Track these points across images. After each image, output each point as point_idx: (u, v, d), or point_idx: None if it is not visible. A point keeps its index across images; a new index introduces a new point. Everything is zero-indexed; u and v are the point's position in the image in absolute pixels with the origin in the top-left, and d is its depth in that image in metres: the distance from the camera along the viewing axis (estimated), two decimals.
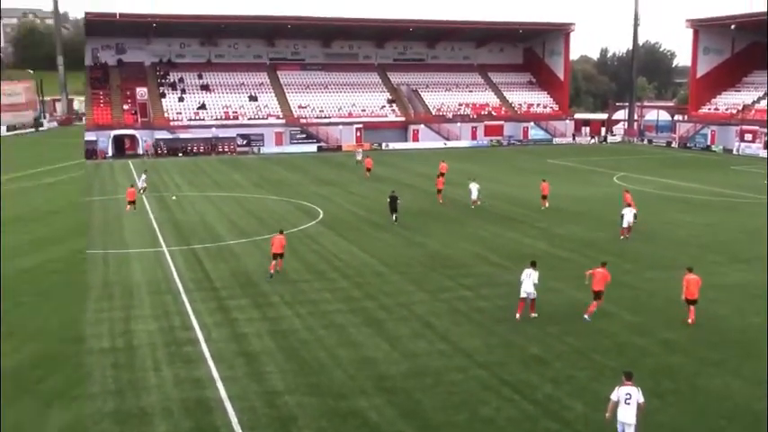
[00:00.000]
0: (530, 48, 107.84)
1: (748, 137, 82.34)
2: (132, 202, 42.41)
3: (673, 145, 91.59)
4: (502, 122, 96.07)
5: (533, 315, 22.55)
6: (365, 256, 31.25)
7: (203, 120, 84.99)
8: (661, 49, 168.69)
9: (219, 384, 17.92)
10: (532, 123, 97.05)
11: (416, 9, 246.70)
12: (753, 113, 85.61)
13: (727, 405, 16.75)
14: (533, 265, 22.88)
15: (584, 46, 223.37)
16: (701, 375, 18.43)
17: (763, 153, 77.98)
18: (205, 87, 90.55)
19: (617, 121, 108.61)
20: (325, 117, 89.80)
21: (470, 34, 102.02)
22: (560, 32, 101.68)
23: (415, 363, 19.26)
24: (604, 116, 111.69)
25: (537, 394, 17.38)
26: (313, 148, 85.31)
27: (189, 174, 61.53)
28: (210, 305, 24.42)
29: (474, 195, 43.25)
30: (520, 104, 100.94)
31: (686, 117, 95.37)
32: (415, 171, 63.40)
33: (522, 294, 22.59)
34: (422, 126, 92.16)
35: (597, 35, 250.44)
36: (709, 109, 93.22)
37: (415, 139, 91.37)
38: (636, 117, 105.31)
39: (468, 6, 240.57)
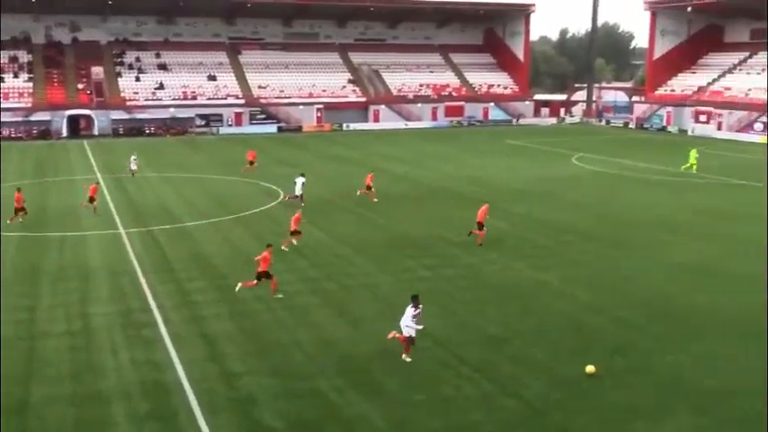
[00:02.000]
0: (490, 29, 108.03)
1: (703, 118, 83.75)
2: (92, 199, 35.81)
3: (630, 126, 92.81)
4: (462, 103, 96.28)
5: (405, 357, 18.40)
6: (327, 238, 31.16)
7: (161, 100, 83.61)
8: (619, 31, 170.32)
9: (178, 366, 17.76)
10: (493, 104, 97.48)
11: None
12: (707, 95, 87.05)
13: (678, 382, 17.10)
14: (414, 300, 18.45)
15: (544, 27, 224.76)
16: (655, 353, 18.77)
17: (717, 134, 79.44)
18: (162, 67, 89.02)
19: (576, 102, 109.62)
20: (286, 97, 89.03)
21: (431, 15, 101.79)
22: (521, 13, 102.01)
23: (377, 343, 19.29)
24: (564, 97, 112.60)
25: (496, 373, 17.56)
26: (273, 128, 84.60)
27: (146, 155, 60.58)
28: (169, 287, 24.15)
29: (298, 191, 38.08)
30: (480, 85, 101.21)
31: (643, 98, 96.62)
32: (377, 152, 63.27)
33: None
34: (383, 107, 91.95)
35: (557, 16, 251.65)
36: (666, 90, 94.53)
37: (376, 119, 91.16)
38: (594, 98, 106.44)
39: None
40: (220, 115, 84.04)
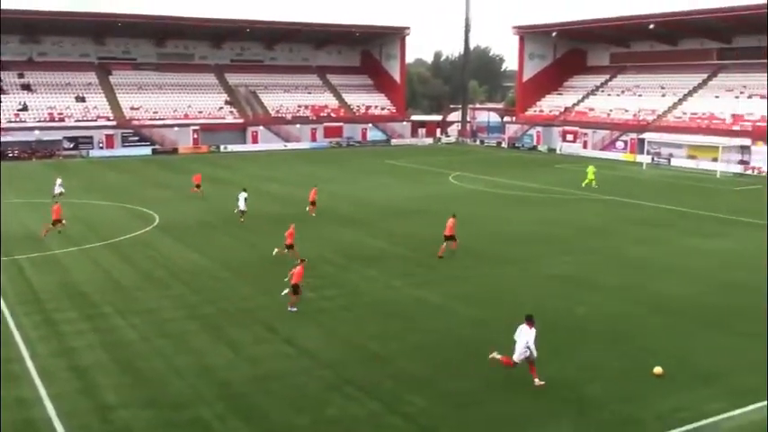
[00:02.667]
0: (367, 51, 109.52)
1: (569, 137, 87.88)
2: (58, 221, 34.94)
3: (503, 145, 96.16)
4: (341, 124, 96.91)
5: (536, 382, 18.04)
6: (204, 261, 30.42)
7: (25, 122, 79.46)
8: (491, 54, 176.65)
9: (47, 402, 16.76)
10: (371, 125, 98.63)
11: (254, 10, 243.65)
12: (573, 115, 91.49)
13: (559, 391, 17.68)
14: (528, 320, 18.21)
15: (419, 49, 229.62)
16: (538, 363, 19.29)
17: (583, 152, 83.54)
18: (27, 87, 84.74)
19: (451, 123, 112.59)
20: (160, 119, 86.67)
21: (309, 36, 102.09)
22: (396, 36, 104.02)
23: (259, 367, 18.94)
24: (439, 118, 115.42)
25: (380, 391, 17.58)
26: (147, 150, 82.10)
27: (10, 179, 57.29)
28: (35, 318, 22.80)
29: (241, 206, 39.32)
30: (358, 106, 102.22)
31: (514, 119, 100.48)
32: (257, 173, 62.54)
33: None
34: (261, 128, 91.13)
35: (431, 39, 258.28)
36: (535, 111, 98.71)
37: (255, 141, 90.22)
38: (468, 119, 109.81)
39: (306, 8, 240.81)
40: (90, 138, 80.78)
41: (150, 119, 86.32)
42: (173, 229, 36.91)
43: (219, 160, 74.99)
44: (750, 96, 77.26)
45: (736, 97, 78.24)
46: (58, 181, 48.70)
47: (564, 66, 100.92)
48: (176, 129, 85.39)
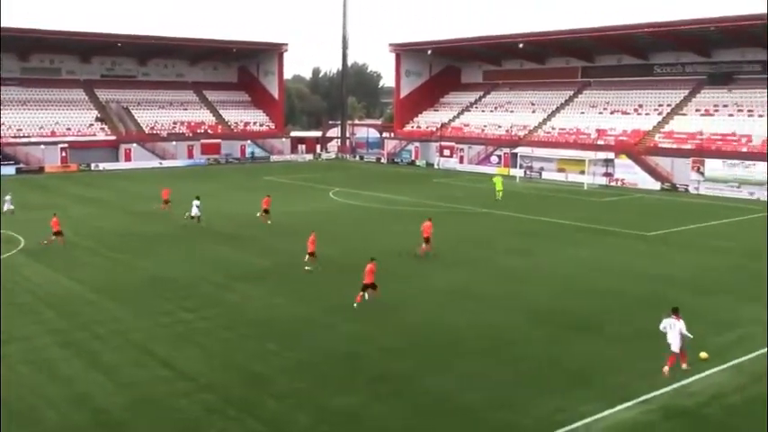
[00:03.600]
0: (244, 67, 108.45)
1: (447, 152, 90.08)
2: (58, 233, 36.47)
3: (382, 160, 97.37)
4: (219, 141, 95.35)
5: (684, 366, 19.66)
6: (75, 285, 29.05)
7: None
8: (369, 71, 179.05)
9: None
10: (249, 141, 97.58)
11: (126, 24, 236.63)
12: (449, 131, 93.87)
13: (441, 401, 17.98)
14: (675, 312, 19.74)
15: (297, 66, 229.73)
16: (418, 377, 19.59)
17: (459, 167, 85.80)
18: None
19: (331, 139, 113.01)
20: (25, 136, 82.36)
21: (183, 52, 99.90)
22: (273, 52, 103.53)
23: (136, 392, 18.25)
24: (319, 134, 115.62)
25: (262, 411, 17.34)
26: (11, 170, 77.67)
27: None
28: None
29: (194, 212, 42.83)
30: (236, 123, 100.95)
31: (393, 134, 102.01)
32: (131, 192, 60.45)
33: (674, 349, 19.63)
34: (134, 145, 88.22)
35: (309, 56, 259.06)
36: (413, 127, 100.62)
37: (128, 158, 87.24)
38: (348, 135, 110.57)
39: (180, 24, 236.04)
40: None
41: (14, 136, 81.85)
42: (40, 252, 35.09)
43: (90, 179, 72.00)
44: (612, 112, 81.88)
45: (600, 113, 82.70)
46: (8, 197, 47.35)
47: (439, 83, 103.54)
48: (42, 147, 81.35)
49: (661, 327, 19.82)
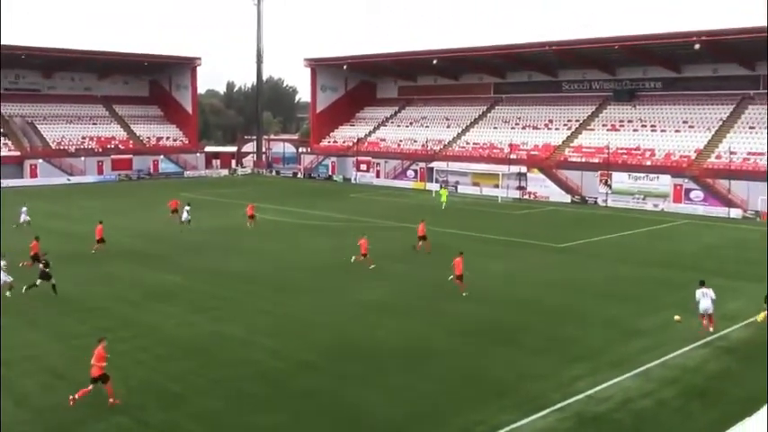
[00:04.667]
0: (156, 81, 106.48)
1: (363, 167, 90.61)
2: (100, 241, 39.45)
3: (299, 175, 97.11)
4: (131, 156, 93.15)
5: (711, 329, 24.77)
6: None
7: None
8: (284, 85, 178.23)
9: None
10: (162, 157, 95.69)
11: (30, 36, 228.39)
12: (366, 145, 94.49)
13: (367, 417, 18.05)
14: (703, 284, 25.06)
15: (211, 80, 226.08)
16: (341, 393, 19.60)
17: (376, 181, 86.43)
18: None
19: (247, 154, 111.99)
20: None
21: (91, 65, 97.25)
22: (186, 66, 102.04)
23: (47, 419, 17.62)
24: (234, 149, 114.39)
25: None
26: None
27: None
28: None
29: (185, 217, 47.71)
30: (149, 138, 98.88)
31: (309, 149, 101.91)
32: (37, 210, 58.20)
33: (701, 311, 24.80)
34: (40, 161, 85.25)
35: (223, 70, 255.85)
36: (329, 142, 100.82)
37: (34, 175, 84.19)
38: (264, 149, 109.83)
39: (89, 36, 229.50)
40: None
41: None
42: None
43: None
44: (524, 127, 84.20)
45: (512, 128, 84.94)
46: (24, 209, 48.62)
47: (355, 98, 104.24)
48: None
49: (696, 296, 24.83)
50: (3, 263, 30.49)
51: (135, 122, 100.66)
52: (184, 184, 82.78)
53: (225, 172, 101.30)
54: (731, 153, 63.88)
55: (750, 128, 68.37)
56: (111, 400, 18.35)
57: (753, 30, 62.33)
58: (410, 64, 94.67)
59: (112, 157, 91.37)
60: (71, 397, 18.25)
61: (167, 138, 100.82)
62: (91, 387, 18.35)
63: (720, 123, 70.79)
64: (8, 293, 29.23)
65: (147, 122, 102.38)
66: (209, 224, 50.33)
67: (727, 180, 62.21)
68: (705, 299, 24.57)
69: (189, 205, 48.90)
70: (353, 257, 36.02)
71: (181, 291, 30.80)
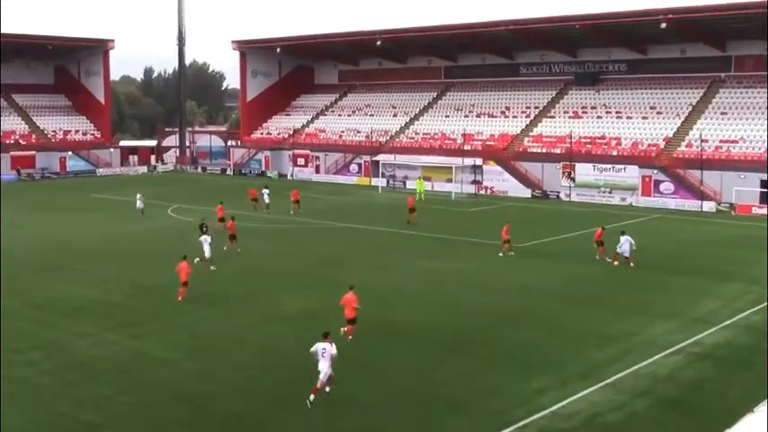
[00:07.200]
0: (62, 67, 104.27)
1: (301, 161, 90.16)
2: (232, 237, 41.46)
3: (228, 172, 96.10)
4: (33, 152, 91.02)
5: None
6: None
7: None
8: (210, 71, 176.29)
9: None
10: (71, 153, 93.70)
11: None
12: (303, 137, 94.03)
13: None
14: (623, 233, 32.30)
15: (126, 65, 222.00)
16: (277, 416, 19.37)
17: (316, 177, 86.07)
18: None
19: (168, 148, 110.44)
20: None
21: None
22: (97, 50, 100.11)
23: None
24: (154, 143, 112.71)
25: None
26: None
27: None
28: None
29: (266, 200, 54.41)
30: (54, 131, 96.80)
31: (239, 142, 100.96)
32: None
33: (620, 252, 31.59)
34: None
35: (140, 53, 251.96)
36: (262, 133, 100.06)
37: None
38: (188, 143, 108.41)
39: None
40: None
41: None
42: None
43: None
44: (479, 115, 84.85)
45: (466, 116, 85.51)
46: (139, 196, 56.30)
47: (291, 84, 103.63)
48: None
49: (621, 241, 34.95)
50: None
51: (38, 114, 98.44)
52: (97, 185, 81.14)
53: (143, 169, 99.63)
54: (702, 141, 65.42)
55: (722, 113, 70.19)
56: (349, 337, 24.70)
57: (723, 7, 64.00)
58: (351, 45, 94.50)
59: (12, 153, 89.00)
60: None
61: (76, 131, 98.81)
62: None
63: (690, 109, 72.50)
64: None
65: (53, 114, 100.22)
66: (124, 230, 49.43)
67: (699, 170, 63.68)
68: (626, 244, 35.78)
69: (267, 188, 57.63)
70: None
71: (96, 305, 30.09)
